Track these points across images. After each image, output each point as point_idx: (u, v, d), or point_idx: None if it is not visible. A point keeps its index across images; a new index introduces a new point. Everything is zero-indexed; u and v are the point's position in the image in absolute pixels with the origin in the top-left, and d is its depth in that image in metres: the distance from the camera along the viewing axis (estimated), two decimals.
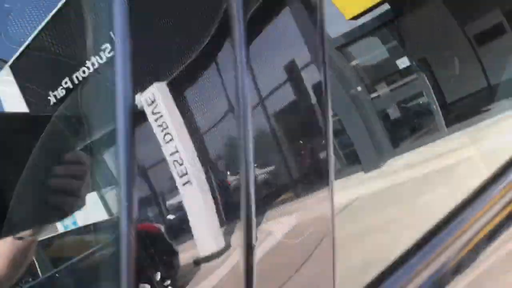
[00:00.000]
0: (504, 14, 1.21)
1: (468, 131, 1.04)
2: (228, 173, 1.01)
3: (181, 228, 0.84)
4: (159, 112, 0.94)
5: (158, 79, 1.01)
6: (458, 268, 0.63)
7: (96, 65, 0.89)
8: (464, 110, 1.12)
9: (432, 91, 1.13)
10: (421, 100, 1.21)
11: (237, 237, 0.83)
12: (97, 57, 0.88)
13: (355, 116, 1.41)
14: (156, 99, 0.93)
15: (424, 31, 1.12)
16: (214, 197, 0.95)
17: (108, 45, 0.90)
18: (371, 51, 1.42)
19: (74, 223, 0.83)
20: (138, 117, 0.91)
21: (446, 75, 1.16)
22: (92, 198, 0.86)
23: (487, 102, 1.13)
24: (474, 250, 0.65)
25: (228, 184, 1.00)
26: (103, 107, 0.91)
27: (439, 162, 0.96)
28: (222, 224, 0.93)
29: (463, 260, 0.65)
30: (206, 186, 0.93)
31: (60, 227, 0.84)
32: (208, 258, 0.88)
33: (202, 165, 0.94)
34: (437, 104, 1.10)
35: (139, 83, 0.95)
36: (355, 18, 1.18)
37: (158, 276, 0.80)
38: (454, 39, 1.22)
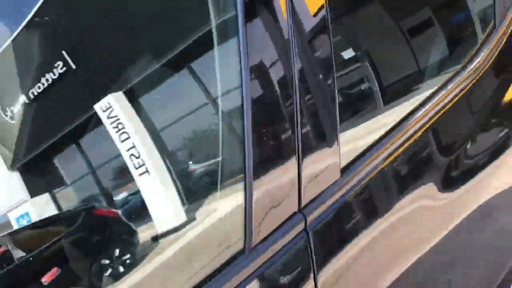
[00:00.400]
0: (432, 11, 1.35)
1: (400, 106, 1.14)
2: (190, 162, 1.08)
3: (140, 211, 0.90)
4: (115, 116, 1.00)
5: (114, 89, 1.08)
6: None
7: (50, 81, 0.94)
8: (398, 90, 1.20)
9: (373, 76, 1.20)
10: (363, 86, 1.29)
11: (199, 213, 0.92)
12: (51, 74, 0.94)
13: None
14: (112, 105, 0.99)
15: (365, 28, 1.19)
16: (175, 183, 1.02)
17: (60, 62, 0.96)
18: None
19: (29, 221, 0.88)
20: (92, 123, 0.97)
21: (385, 63, 1.26)
22: (44, 198, 0.93)
23: (417, 83, 1.22)
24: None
25: (191, 172, 1.06)
26: (55, 116, 0.97)
27: (377, 134, 1.04)
28: (183, 203, 1.00)
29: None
30: (165, 174, 1.00)
31: (15, 224, 0.89)
32: (168, 233, 0.95)
33: (161, 156, 1.01)
34: (377, 87, 1.17)
35: (96, 95, 1.02)
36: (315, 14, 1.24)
37: (117, 252, 0.87)
38: (391, 33, 1.32)
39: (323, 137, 0.75)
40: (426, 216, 0.98)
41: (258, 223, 0.67)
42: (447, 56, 1.35)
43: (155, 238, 0.89)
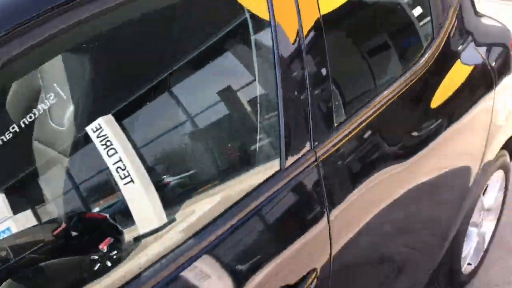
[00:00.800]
0: (388, 36, 1.60)
1: (364, 98, 1.37)
2: (166, 175, 1.15)
3: (126, 215, 0.97)
4: (104, 135, 1.06)
5: (104, 112, 1.15)
6: None
7: (42, 110, 1.00)
8: (357, 103, 1.34)
9: (338, 93, 1.31)
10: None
11: (179, 215, 1.04)
12: (43, 104, 1.00)
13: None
14: (102, 126, 1.06)
15: (330, 53, 1.32)
16: (157, 190, 1.09)
17: (52, 94, 1.02)
18: None
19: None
20: (82, 143, 1.03)
21: (347, 81, 1.40)
22: (26, 214, 0.98)
23: (373, 96, 1.36)
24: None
25: (167, 183, 1.13)
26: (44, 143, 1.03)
27: (353, 109, 1.33)
28: (163, 207, 1.07)
29: None
30: (148, 183, 1.07)
31: None
32: (150, 233, 1.01)
33: (145, 168, 1.07)
34: (340, 102, 1.28)
35: (88, 118, 1.09)
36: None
37: (105, 249, 0.94)
38: (353, 56, 1.47)
39: (326, 108, 1.16)
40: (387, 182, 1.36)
41: (289, 154, 1.05)
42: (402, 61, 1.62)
43: (137, 238, 0.96)
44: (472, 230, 2.26)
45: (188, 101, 1.17)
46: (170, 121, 1.14)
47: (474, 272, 2.41)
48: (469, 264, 2.35)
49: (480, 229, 2.36)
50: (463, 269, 2.27)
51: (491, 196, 2.36)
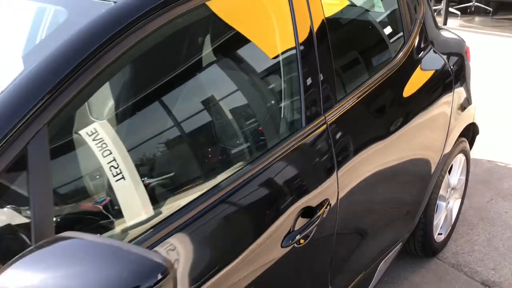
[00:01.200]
0: (359, 53, 1.80)
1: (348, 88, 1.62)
2: (153, 173, 1.23)
3: (116, 207, 1.06)
4: (100, 138, 1.13)
5: (98, 118, 1.21)
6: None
7: None
8: (352, 84, 1.61)
9: (339, 77, 1.56)
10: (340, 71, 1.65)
11: (164, 209, 1.06)
12: None
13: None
14: (98, 130, 1.12)
15: (333, 47, 1.51)
16: (145, 186, 1.16)
17: None
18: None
19: None
20: (79, 146, 1.10)
21: (345, 69, 1.66)
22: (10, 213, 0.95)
23: (364, 80, 1.67)
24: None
25: (148, 184, 1.19)
26: None
27: (349, 89, 1.61)
28: (151, 202, 1.13)
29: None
30: (138, 179, 1.13)
31: None
32: (138, 224, 1.10)
33: (135, 166, 1.14)
34: (340, 82, 1.55)
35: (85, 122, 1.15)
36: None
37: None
38: (349, 52, 1.70)
39: (331, 86, 1.46)
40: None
41: (307, 117, 1.37)
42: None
43: (125, 229, 1.05)
44: (441, 203, 2.40)
45: (230, 81, 1.43)
46: (156, 125, 1.23)
47: (444, 243, 2.56)
48: (439, 234, 2.48)
49: (448, 205, 2.48)
50: (435, 237, 2.43)
51: (455, 177, 2.50)
